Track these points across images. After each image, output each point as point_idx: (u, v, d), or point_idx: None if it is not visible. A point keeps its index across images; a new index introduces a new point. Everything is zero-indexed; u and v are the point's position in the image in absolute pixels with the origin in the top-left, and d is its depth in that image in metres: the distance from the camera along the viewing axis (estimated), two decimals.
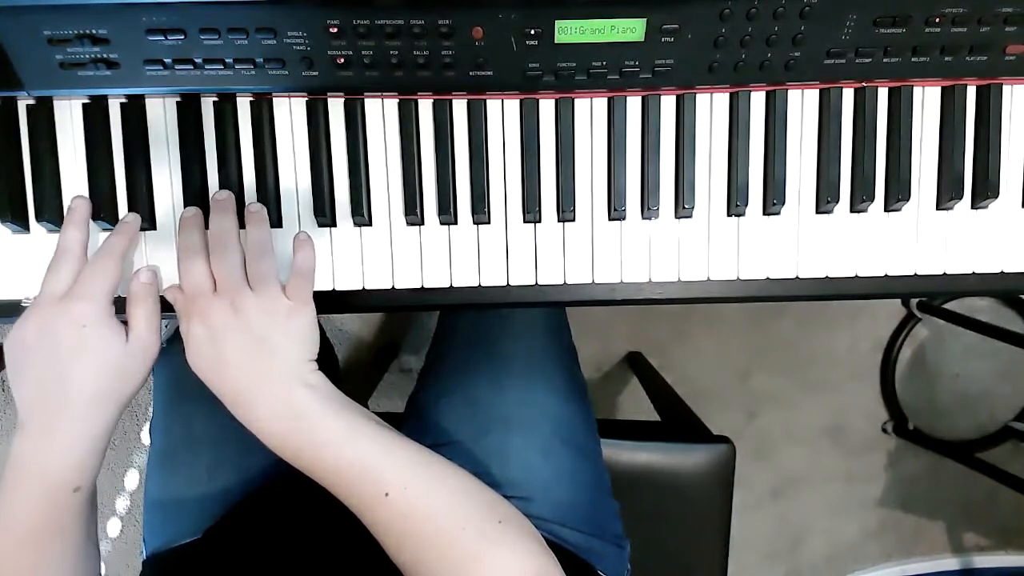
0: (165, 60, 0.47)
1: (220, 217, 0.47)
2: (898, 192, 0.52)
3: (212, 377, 0.45)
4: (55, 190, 0.50)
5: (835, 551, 1.59)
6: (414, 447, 0.46)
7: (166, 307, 0.49)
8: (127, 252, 0.48)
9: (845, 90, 0.51)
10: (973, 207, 0.53)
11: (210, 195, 0.50)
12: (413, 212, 0.51)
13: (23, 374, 0.44)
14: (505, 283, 0.52)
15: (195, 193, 0.50)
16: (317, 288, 0.51)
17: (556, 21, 0.46)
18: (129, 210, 0.50)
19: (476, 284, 0.52)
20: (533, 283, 0.53)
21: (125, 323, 0.47)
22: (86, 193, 0.50)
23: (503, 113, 0.51)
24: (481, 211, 0.51)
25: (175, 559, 0.59)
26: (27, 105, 0.50)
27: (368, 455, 0.44)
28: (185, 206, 0.50)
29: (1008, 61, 0.50)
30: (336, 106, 0.50)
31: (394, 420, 0.55)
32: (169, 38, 0.46)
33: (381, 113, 0.51)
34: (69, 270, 0.46)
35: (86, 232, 0.48)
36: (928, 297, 1.41)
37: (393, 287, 0.52)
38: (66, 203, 0.51)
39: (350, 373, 1.38)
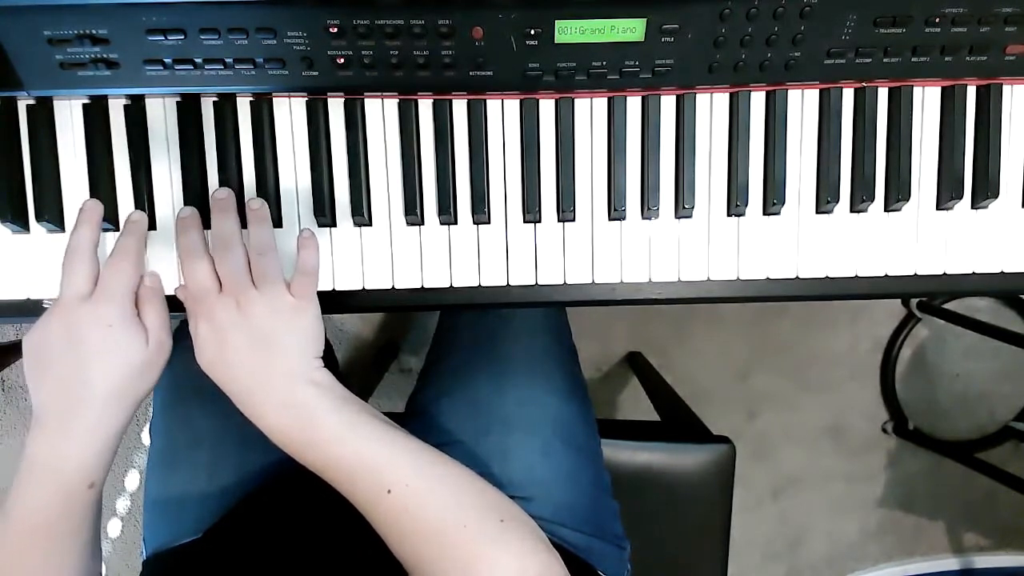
0: (165, 60, 0.47)
1: (222, 216, 0.47)
2: (898, 192, 0.52)
3: (220, 375, 0.46)
4: (55, 190, 0.50)
5: (835, 551, 1.59)
6: (418, 444, 0.46)
7: (173, 307, 0.49)
8: (141, 251, 0.48)
9: (845, 90, 0.51)
10: (973, 207, 0.53)
11: (210, 195, 0.50)
12: (413, 212, 0.51)
13: (44, 372, 0.45)
14: (505, 283, 0.52)
15: (195, 193, 0.50)
16: (317, 288, 0.51)
17: (556, 21, 0.46)
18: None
19: (476, 284, 0.52)
20: (533, 283, 0.53)
21: None
22: (86, 193, 0.50)
23: (503, 113, 0.51)
24: (481, 211, 0.51)
25: (175, 559, 0.59)
26: (27, 105, 0.50)
27: (371, 452, 0.44)
28: (185, 206, 0.50)
29: (1008, 61, 0.50)
30: (336, 106, 0.50)
31: (394, 420, 0.55)
32: (169, 38, 0.46)
33: (381, 113, 0.51)
34: (85, 269, 0.46)
35: (98, 233, 0.48)
36: (928, 297, 1.41)
37: (393, 287, 0.52)
38: (66, 203, 0.51)
39: (350, 373, 1.38)
